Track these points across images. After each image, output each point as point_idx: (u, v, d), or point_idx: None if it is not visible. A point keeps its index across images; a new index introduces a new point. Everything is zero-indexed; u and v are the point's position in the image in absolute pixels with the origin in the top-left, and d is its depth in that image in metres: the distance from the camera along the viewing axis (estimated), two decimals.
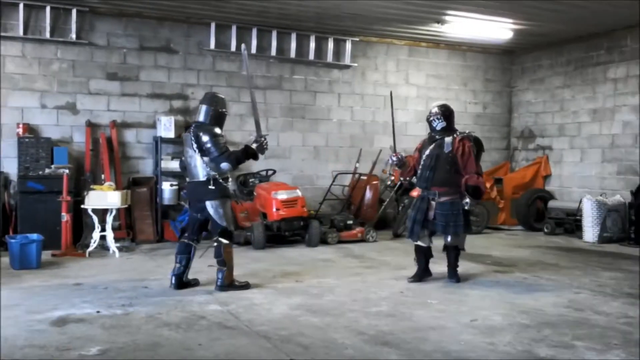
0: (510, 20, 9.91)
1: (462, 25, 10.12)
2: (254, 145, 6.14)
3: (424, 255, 6.73)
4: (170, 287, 6.14)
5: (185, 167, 6.37)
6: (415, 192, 9.93)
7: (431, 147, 6.57)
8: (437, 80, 12.05)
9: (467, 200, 6.48)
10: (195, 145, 6.03)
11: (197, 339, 4.55)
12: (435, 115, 6.65)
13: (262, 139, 6.17)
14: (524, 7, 9.06)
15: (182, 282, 6.22)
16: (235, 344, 4.45)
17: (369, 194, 10.39)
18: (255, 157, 6.23)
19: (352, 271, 7.24)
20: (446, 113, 6.65)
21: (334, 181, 10.21)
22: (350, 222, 9.65)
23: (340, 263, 7.80)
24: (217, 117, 6.21)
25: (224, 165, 6.01)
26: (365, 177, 10.41)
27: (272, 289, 6.26)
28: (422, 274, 6.73)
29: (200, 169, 6.07)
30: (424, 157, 6.59)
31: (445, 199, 6.48)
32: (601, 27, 10.45)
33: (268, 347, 4.39)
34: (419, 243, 6.67)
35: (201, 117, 6.20)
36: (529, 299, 5.86)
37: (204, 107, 6.22)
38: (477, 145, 6.71)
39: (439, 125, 6.61)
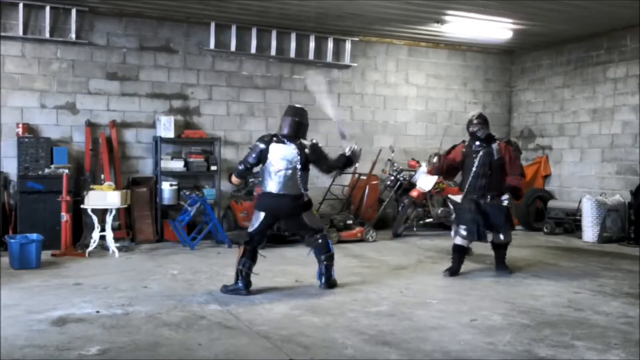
0: (510, 20, 9.91)
1: (462, 25, 10.11)
2: (348, 153, 6.37)
3: (464, 254, 7.13)
4: (242, 292, 5.99)
5: (248, 174, 6.52)
6: (414, 192, 9.98)
7: (481, 155, 6.94)
8: (437, 80, 12.05)
9: (507, 196, 6.93)
10: (302, 160, 6.13)
11: (197, 339, 4.55)
12: (478, 124, 7.02)
13: (355, 147, 6.43)
14: (524, 7, 9.06)
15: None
16: (235, 344, 4.46)
17: (368, 194, 10.39)
18: (351, 164, 6.58)
19: (352, 271, 7.24)
20: (486, 121, 7.11)
21: (333, 181, 10.20)
22: (349, 221, 9.65)
23: (340, 263, 7.76)
24: (305, 130, 6.34)
25: (334, 173, 6.77)
26: (365, 177, 10.41)
27: (272, 289, 6.26)
28: (457, 270, 7.06)
29: (298, 183, 6.17)
30: (475, 166, 6.94)
31: (495, 202, 6.97)
32: (601, 27, 10.45)
33: (268, 347, 4.39)
34: (461, 243, 7.04)
35: (288, 130, 6.19)
36: (529, 299, 5.87)
37: (289, 120, 6.23)
38: (517, 149, 7.26)
39: (483, 133, 7.03)
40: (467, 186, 7.01)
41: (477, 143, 7.03)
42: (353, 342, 4.50)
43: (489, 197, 6.92)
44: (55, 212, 8.06)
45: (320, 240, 6.33)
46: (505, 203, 6.92)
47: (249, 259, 6.13)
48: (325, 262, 6.31)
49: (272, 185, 6.13)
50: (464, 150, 7.12)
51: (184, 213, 8.96)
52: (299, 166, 6.13)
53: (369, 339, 4.59)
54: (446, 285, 6.54)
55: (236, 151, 10.39)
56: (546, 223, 10.88)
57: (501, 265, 7.19)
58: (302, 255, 8.06)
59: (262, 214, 6.18)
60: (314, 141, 6.29)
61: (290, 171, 6.12)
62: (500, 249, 7.21)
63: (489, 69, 12.56)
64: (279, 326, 4.89)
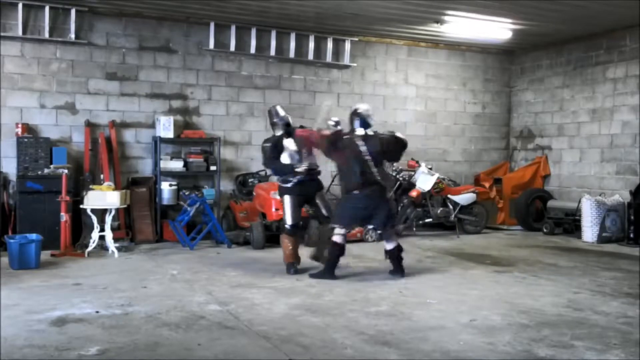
0: (510, 20, 9.91)
1: (462, 25, 10.11)
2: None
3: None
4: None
5: None
6: (414, 192, 10.04)
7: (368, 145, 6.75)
8: (436, 80, 12.05)
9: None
10: None
11: (197, 339, 4.55)
12: (370, 116, 6.96)
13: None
14: (523, 7, 9.06)
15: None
16: (235, 344, 4.45)
17: None
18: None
19: (352, 271, 7.22)
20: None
21: (333, 181, 10.19)
22: None
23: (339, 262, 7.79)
24: (272, 128, 7.46)
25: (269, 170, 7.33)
26: None
27: (271, 288, 6.25)
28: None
29: None
30: (362, 157, 6.70)
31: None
32: (601, 27, 10.45)
33: (268, 347, 4.39)
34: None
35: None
36: (528, 299, 5.87)
37: None
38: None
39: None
40: (356, 179, 6.71)
41: (360, 134, 6.79)
42: (352, 342, 4.50)
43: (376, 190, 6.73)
44: (54, 212, 8.06)
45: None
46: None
47: None
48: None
49: None
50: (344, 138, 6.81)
51: (183, 213, 8.96)
52: None
53: (369, 339, 4.59)
54: (445, 285, 6.53)
55: (236, 151, 10.39)
56: (545, 223, 10.88)
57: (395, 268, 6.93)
58: (301, 255, 8.06)
59: None
60: (264, 143, 7.54)
61: None
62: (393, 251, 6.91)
63: (488, 69, 12.56)
64: (278, 326, 4.88)
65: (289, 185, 7.07)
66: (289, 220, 7.16)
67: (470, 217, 10.67)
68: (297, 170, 7.06)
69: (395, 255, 6.88)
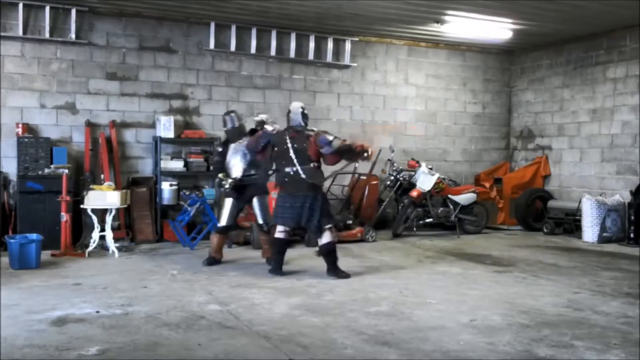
0: (510, 20, 9.91)
1: (462, 25, 10.11)
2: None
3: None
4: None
5: None
6: (414, 192, 10.04)
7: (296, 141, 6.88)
8: (436, 80, 12.05)
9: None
10: None
11: (197, 339, 4.55)
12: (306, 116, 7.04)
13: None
14: (523, 7, 9.06)
15: None
16: (235, 344, 4.46)
17: (368, 194, 10.39)
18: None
19: (352, 271, 7.21)
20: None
21: (333, 181, 10.19)
22: (349, 222, 9.65)
23: (339, 263, 7.79)
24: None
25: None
26: (364, 177, 10.41)
27: (271, 288, 6.26)
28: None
29: None
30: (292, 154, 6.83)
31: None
32: (601, 27, 10.45)
33: (268, 347, 4.39)
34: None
35: None
36: (529, 299, 5.87)
37: None
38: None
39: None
40: (283, 177, 6.81)
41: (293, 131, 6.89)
42: (352, 342, 4.50)
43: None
44: (55, 212, 8.06)
45: None
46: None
47: None
48: None
49: None
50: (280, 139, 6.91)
51: (183, 213, 8.96)
52: None
53: (369, 339, 4.59)
54: (445, 285, 6.53)
55: None
56: (546, 223, 10.87)
57: (332, 270, 6.82)
58: (301, 255, 8.07)
59: None
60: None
61: None
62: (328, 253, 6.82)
63: (488, 69, 12.56)
64: (278, 326, 4.89)
65: (224, 190, 7.45)
66: (222, 221, 7.56)
67: (470, 217, 10.67)
68: (230, 177, 7.49)
69: (327, 252, 6.78)
